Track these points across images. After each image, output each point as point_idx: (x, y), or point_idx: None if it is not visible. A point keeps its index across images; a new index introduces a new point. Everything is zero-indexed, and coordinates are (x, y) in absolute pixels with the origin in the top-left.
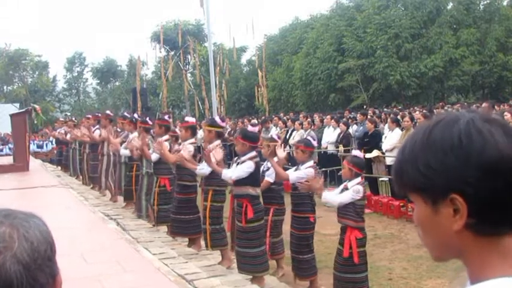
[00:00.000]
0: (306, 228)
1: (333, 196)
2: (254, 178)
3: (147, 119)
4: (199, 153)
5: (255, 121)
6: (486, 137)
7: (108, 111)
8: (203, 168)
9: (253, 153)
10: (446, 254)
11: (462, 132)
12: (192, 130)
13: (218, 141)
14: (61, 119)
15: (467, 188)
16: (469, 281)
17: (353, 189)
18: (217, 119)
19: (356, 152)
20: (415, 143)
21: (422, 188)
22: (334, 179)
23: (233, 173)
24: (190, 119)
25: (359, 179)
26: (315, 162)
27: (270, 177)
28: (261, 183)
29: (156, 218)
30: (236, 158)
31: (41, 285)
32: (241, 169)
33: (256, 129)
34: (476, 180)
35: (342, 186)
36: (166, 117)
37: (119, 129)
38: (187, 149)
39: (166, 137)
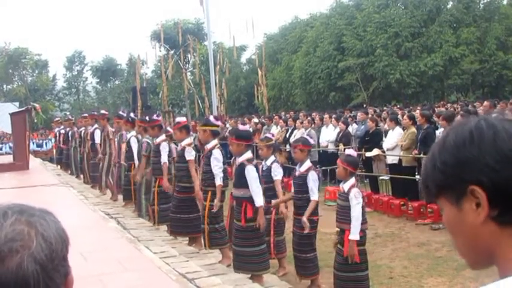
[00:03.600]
0: (310, 227)
1: (354, 223)
2: None
3: (146, 117)
4: (199, 153)
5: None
6: (497, 128)
7: (103, 111)
8: (219, 177)
9: (249, 154)
10: (479, 256)
11: (473, 128)
12: (186, 129)
13: (215, 141)
14: (57, 119)
15: (483, 178)
16: (499, 277)
17: (354, 196)
18: (211, 117)
19: (350, 151)
20: (434, 150)
21: (443, 186)
22: (334, 178)
23: (255, 189)
24: (181, 119)
25: (353, 181)
26: (313, 162)
27: (278, 177)
28: (260, 183)
29: (158, 217)
30: (233, 159)
31: (56, 285)
32: (253, 179)
33: (247, 127)
34: (491, 169)
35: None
36: (155, 116)
37: (113, 129)
38: (189, 152)
39: (163, 137)
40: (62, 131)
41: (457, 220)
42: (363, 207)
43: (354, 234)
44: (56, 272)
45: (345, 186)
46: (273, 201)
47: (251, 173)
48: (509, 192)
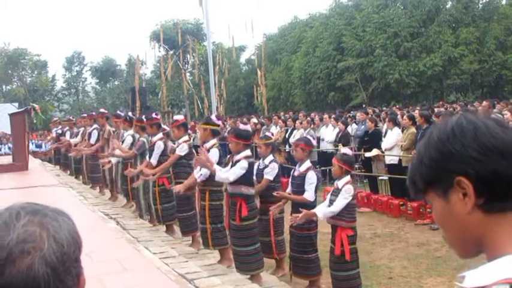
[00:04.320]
0: (310, 227)
1: (330, 208)
2: (248, 178)
3: (143, 117)
4: (197, 152)
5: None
6: (477, 124)
7: (102, 110)
8: (202, 174)
9: (248, 152)
10: (468, 246)
11: (454, 125)
12: (184, 127)
13: (214, 140)
14: (55, 119)
15: (468, 169)
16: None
17: (345, 190)
18: (212, 117)
19: (345, 150)
20: (420, 148)
21: (430, 181)
22: (333, 178)
23: (229, 173)
24: (179, 117)
25: (348, 178)
26: (312, 162)
27: (269, 175)
28: (257, 182)
29: (162, 217)
30: (228, 156)
31: (67, 287)
32: (236, 169)
33: (248, 127)
34: (475, 161)
35: (328, 197)
36: (154, 114)
37: (113, 128)
38: (181, 147)
39: (160, 135)
40: (59, 131)
41: (446, 212)
42: (353, 204)
43: (320, 212)
44: (67, 275)
45: (340, 183)
46: (256, 187)
47: (240, 166)
48: (493, 180)
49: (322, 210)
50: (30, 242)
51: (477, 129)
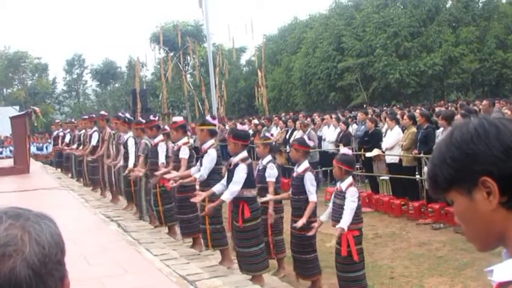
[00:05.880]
0: (309, 228)
1: (345, 218)
2: (248, 180)
3: (140, 118)
4: (197, 154)
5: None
6: (498, 126)
7: (103, 112)
8: (201, 175)
9: (245, 154)
10: (489, 241)
11: (477, 126)
12: (183, 129)
13: (212, 141)
14: (57, 121)
15: (493, 168)
16: (508, 256)
17: (350, 195)
18: (208, 117)
19: (344, 150)
20: (441, 148)
21: (453, 180)
22: (334, 179)
23: (234, 185)
24: (178, 119)
25: (350, 179)
26: (310, 163)
27: (271, 177)
28: (258, 184)
29: (164, 218)
30: (230, 158)
31: None
32: (239, 176)
33: (245, 127)
34: (499, 160)
35: (332, 200)
36: (151, 117)
37: (113, 131)
38: (183, 151)
39: (160, 137)
40: (61, 133)
41: (470, 209)
42: (358, 206)
43: (343, 224)
44: (50, 277)
45: (343, 185)
46: (264, 198)
47: (240, 171)
48: None
49: (342, 221)
50: (12, 246)
51: (499, 130)
